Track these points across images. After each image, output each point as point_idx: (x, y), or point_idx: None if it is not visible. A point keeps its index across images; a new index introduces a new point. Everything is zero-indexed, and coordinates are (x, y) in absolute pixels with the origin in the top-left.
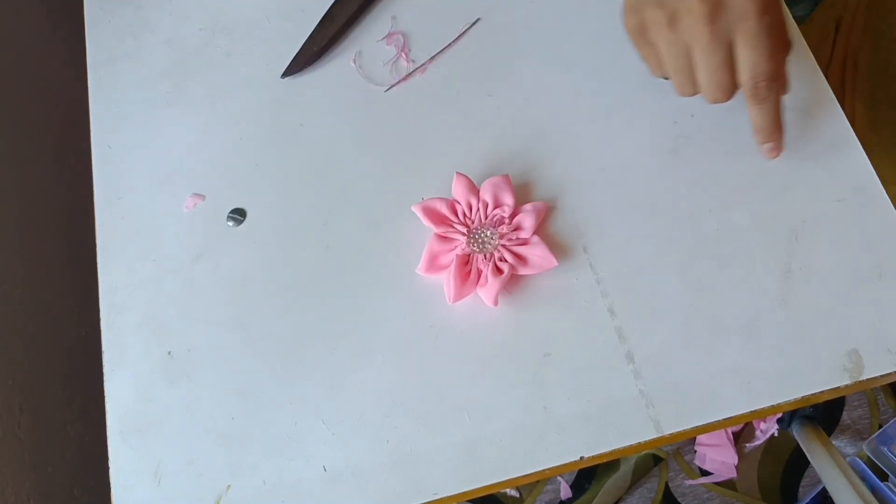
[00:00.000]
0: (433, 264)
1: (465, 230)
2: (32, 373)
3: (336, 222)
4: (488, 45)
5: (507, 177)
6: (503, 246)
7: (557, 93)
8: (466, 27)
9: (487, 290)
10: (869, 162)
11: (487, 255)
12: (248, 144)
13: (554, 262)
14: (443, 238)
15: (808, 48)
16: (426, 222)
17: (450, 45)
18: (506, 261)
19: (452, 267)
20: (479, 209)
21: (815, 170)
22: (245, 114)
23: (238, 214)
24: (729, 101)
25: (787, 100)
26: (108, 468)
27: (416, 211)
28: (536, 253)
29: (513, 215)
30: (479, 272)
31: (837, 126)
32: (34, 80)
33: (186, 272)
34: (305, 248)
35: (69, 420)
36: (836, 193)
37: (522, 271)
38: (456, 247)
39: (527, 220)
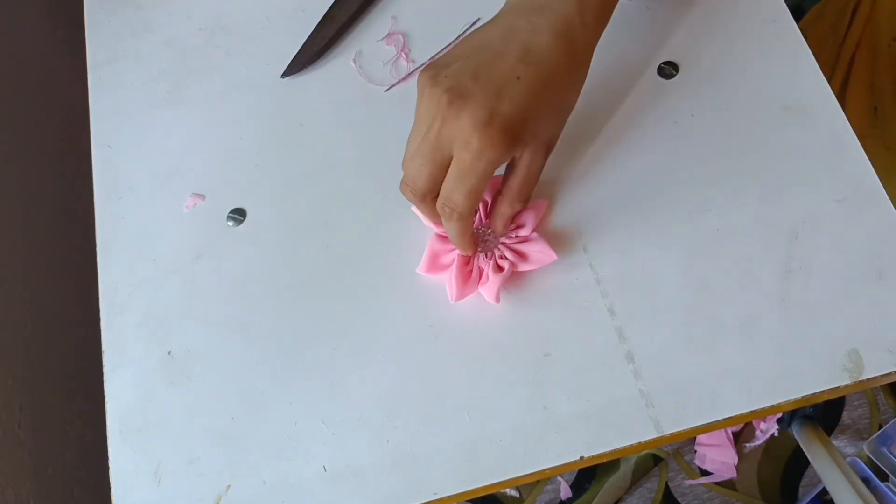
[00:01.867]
0: (434, 264)
1: None
2: (32, 373)
3: (336, 222)
4: None
5: None
6: (503, 244)
7: None
8: (466, 27)
9: (489, 287)
10: (869, 161)
11: (488, 254)
12: (248, 144)
13: (553, 255)
14: (443, 238)
15: (807, 47)
16: (427, 222)
17: (450, 44)
18: (506, 258)
19: (454, 266)
20: (478, 209)
21: (814, 169)
22: (245, 114)
23: (238, 214)
24: (726, 102)
25: (787, 99)
26: (108, 468)
27: (417, 212)
28: (536, 249)
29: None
30: (481, 271)
31: (837, 125)
32: (34, 80)
33: (186, 272)
34: (305, 248)
35: (69, 420)
36: (836, 193)
37: (523, 267)
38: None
39: (526, 218)
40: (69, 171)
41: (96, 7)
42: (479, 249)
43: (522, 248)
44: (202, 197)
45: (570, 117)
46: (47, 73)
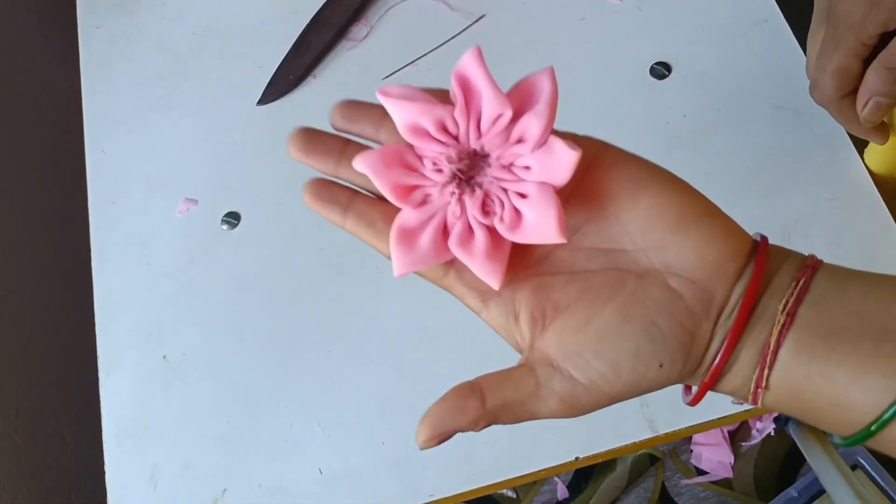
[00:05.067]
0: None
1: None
2: (29, 377)
3: (329, 224)
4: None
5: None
6: (499, 183)
7: None
8: (442, 43)
9: (478, 259)
10: (861, 160)
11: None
12: (241, 148)
13: (558, 235)
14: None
15: (799, 47)
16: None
17: (413, 61)
18: (495, 213)
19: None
20: (468, 130)
21: (806, 168)
22: (238, 117)
23: (232, 218)
24: (718, 102)
25: (779, 98)
26: (104, 473)
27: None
28: (533, 213)
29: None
30: (471, 229)
31: (829, 124)
32: (28, 86)
33: (181, 276)
34: (299, 251)
35: (65, 424)
36: (829, 192)
37: (512, 236)
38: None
39: (531, 125)
40: (63, 176)
41: (89, 12)
42: (461, 193)
43: (522, 193)
44: (195, 201)
45: (562, 118)
46: (41, 77)
